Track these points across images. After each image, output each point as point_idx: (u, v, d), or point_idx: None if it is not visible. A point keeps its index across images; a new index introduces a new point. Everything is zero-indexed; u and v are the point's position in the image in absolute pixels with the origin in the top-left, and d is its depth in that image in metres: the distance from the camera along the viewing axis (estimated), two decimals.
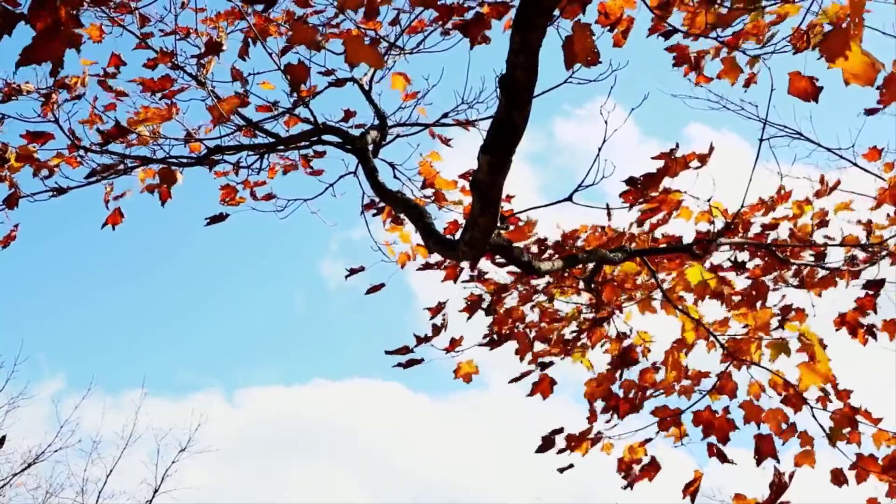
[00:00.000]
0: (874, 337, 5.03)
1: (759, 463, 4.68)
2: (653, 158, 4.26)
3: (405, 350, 5.09)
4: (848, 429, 4.64)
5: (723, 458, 4.70)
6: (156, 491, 16.62)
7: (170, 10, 4.63)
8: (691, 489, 4.61)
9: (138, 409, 17.84)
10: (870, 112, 4.98)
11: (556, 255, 4.91)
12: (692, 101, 5.38)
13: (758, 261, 5.25)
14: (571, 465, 4.81)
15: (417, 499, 22.72)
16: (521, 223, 4.84)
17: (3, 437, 6.20)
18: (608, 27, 4.30)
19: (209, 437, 20.15)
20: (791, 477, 3.82)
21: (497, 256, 4.47)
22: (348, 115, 5.31)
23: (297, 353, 29.66)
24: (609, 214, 4.90)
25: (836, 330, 5.04)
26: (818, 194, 5.42)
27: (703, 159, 4.73)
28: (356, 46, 3.22)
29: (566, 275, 5.05)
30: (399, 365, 5.07)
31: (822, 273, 5.28)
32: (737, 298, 5.03)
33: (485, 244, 3.62)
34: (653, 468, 4.79)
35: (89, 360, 26.50)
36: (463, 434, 26.14)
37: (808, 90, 3.68)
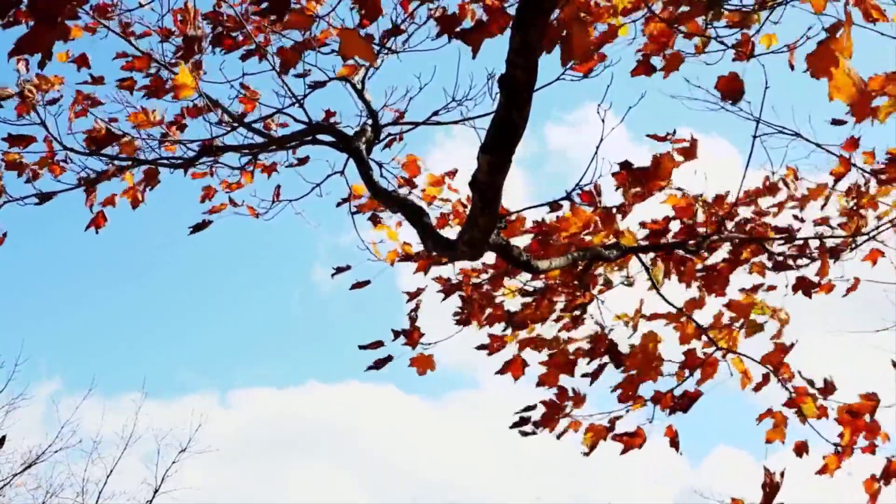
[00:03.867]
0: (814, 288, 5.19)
1: (677, 411, 4.86)
2: (647, 136, 4.30)
3: (378, 344, 5.08)
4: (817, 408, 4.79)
5: (674, 444, 4.76)
6: (156, 491, 16.57)
7: (161, 9, 4.56)
8: (633, 441, 4.69)
9: (139, 409, 17.57)
10: (836, 122, 5.14)
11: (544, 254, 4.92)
12: (690, 101, 5.40)
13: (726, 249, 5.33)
14: (535, 433, 4.84)
15: (417, 499, 22.78)
16: (511, 220, 4.84)
17: (3, 437, 6.12)
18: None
19: (207, 438, 20.10)
20: (783, 475, 3.87)
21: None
22: (329, 114, 5.28)
23: (291, 356, 29.59)
24: (570, 199, 4.93)
25: (794, 293, 5.18)
26: (788, 188, 5.51)
27: (688, 154, 4.78)
28: (350, 40, 3.20)
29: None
30: (370, 368, 5.05)
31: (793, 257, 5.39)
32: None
33: (484, 244, 3.62)
34: (611, 431, 4.80)
35: (85, 362, 26.28)
36: (460, 435, 26.29)
37: (734, 90, 3.80)
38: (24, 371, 21.56)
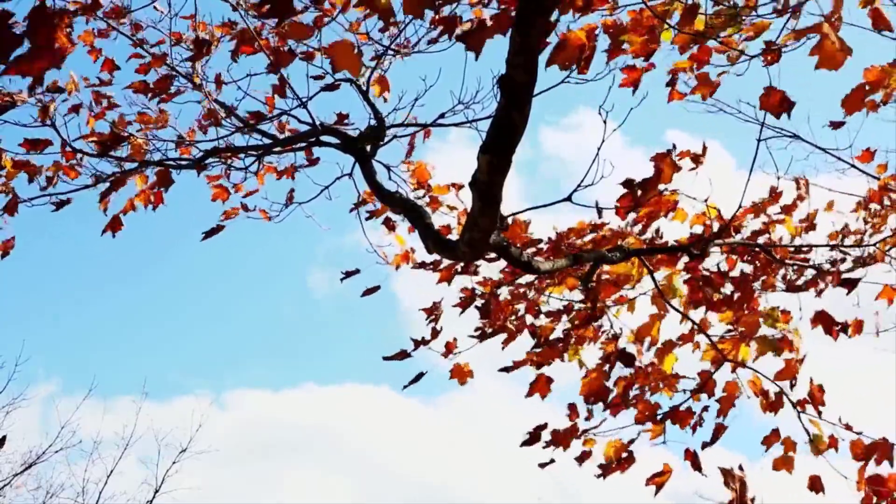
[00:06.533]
0: (846, 333, 5.10)
1: (704, 446, 4.83)
2: (651, 160, 4.28)
3: (403, 354, 5.08)
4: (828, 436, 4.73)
5: (696, 466, 4.72)
6: (156, 491, 16.64)
7: (167, 12, 4.63)
8: (657, 480, 4.66)
9: (139, 410, 17.53)
10: (835, 126, 5.12)
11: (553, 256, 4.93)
12: (689, 104, 5.42)
13: (746, 266, 5.30)
14: (553, 461, 4.85)
15: (415, 500, 22.71)
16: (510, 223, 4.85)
17: (4, 438, 6.17)
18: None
19: (203, 440, 20.16)
20: (741, 468, 3.82)
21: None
22: (341, 117, 5.31)
23: (287, 358, 29.63)
24: (600, 213, 4.93)
25: (812, 328, 5.10)
26: (799, 198, 5.49)
27: (696, 159, 4.77)
28: (341, 53, 3.26)
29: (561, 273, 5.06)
30: (407, 385, 5.02)
31: (807, 274, 5.35)
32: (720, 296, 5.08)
33: (484, 244, 3.63)
34: (628, 461, 4.82)
35: (81, 364, 26.35)
36: (456, 436, 26.19)
37: (782, 105, 3.76)
38: (22, 372, 21.75)
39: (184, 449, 17.03)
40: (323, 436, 26.41)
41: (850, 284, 5.16)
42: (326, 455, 25.57)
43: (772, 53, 4.09)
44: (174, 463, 16.92)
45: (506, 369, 5.12)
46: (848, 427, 4.63)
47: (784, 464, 4.81)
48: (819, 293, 5.16)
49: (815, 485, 4.70)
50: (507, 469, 23.14)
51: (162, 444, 17.05)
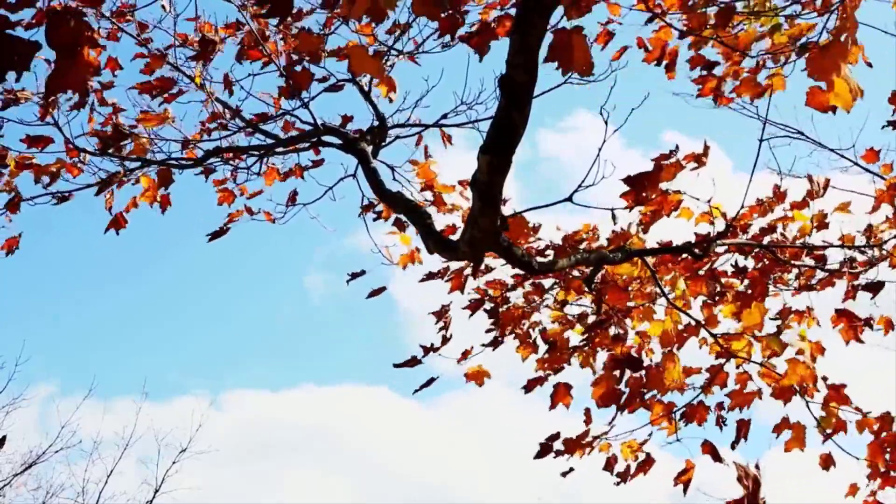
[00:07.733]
0: (871, 327, 5.08)
1: (733, 446, 4.84)
2: (652, 160, 4.27)
3: (414, 361, 5.09)
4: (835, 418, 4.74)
5: (716, 457, 4.71)
6: (156, 491, 16.68)
7: (171, 10, 4.63)
8: (683, 478, 4.65)
9: (139, 410, 17.65)
10: (893, 124, 5.07)
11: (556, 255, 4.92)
12: (692, 99, 5.40)
13: (756, 262, 5.28)
14: (572, 469, 4.84)
15: (414, 500, 22.71)
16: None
17: (4, 438, 6.19)
18: (655, 62, 4.36)
19: (203, 440, 20.22)
20: (757, 467, 3.81)
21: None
22: (346, 119, 5.32)
23: (285, 358, 29.64)
24: (615, 218, 4.92)
25: (834, 327, 5.08)
26: (810, 195, 5.46)
27: (699, 159, 4.75)
28: (360, 57, 3.28)
29: (571, 276, 5.05)
30: (417, 391, 5.06)
31: (820, 275, 5.32)
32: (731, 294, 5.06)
33: (485, 244, 3.63)
34: (647, 463, 4.82)
35: (78, 364, 26.39)
36: (455, 437, 26.17)
37: (827, 104, 3.75)
38: (22, 372, 21.77)
39: (184, 449, 17.08)
40: (323, 436, 26.46)
41: (874, 288, 5.13)
42: (326, 455, 25.60)
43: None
44: (174, 463, 16.97)
45: (525, 388, 5.13)
46: (858, 409, 4.66)
47: (794, 444, 4.82)
48: (852, 295, 5.13)
49: (827, 462, 4.80)
50: (507, 469, 23.14)
51: (162, 445, 17.12)
